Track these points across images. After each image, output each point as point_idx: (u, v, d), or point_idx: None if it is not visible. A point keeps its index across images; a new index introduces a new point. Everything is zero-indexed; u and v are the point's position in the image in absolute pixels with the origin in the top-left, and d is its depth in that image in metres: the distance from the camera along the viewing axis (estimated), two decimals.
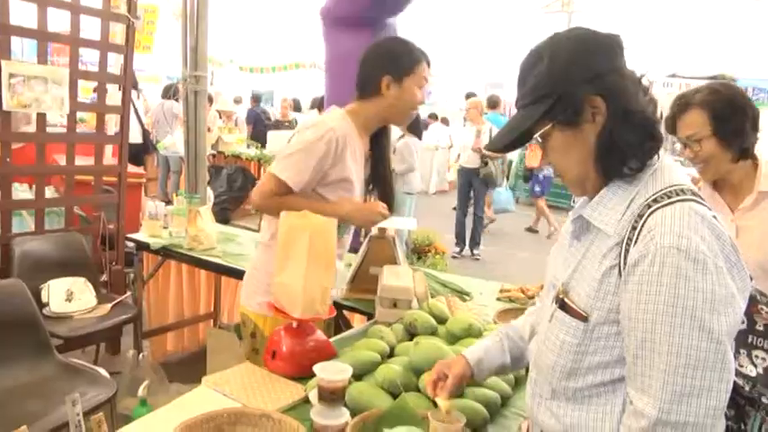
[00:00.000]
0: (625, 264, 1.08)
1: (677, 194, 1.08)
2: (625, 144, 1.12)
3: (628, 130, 1.11)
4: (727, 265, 1.04)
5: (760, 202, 1.95)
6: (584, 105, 1.13)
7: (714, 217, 1.07)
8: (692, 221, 1.04)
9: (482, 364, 1.45)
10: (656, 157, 1.16)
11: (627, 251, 1.09)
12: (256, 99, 11.41)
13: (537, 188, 9.41)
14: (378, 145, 2.24)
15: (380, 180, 2.27)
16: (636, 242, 1.07)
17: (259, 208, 2.13)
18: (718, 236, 1.04)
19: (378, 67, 2.06)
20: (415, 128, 6.94)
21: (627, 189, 1.15)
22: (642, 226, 1.08)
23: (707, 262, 1.01)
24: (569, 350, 1.18)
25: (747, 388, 1.55)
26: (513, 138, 1.20)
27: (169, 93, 8.30)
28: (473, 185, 7.60)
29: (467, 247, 7.72)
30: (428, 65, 2.10)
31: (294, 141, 2.06)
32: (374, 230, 2.62)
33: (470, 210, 7.76)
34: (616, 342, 1.13)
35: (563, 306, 1.20)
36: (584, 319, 1.15)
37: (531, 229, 9.72)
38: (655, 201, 1.09)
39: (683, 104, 1.95)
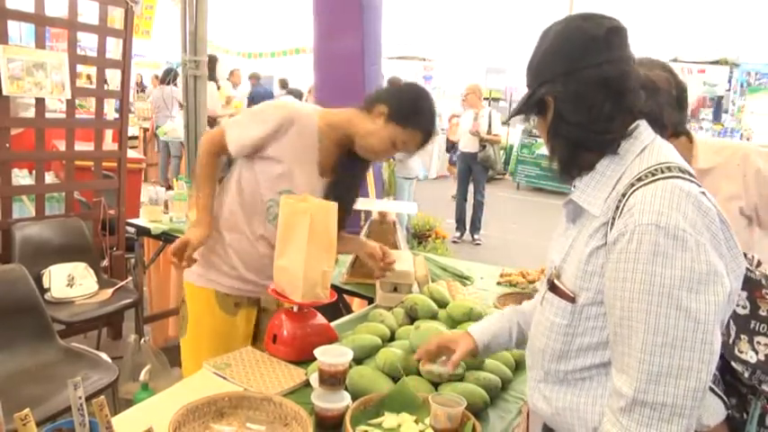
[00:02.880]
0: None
1: (662, 172, 1.08)
2: (561, 147, 1.20)
3: (558, 139, 1.20)
4: (714, 242, 1.02)
5: (700, 181, 1.88)
6: (544, 104, 1.19)
7: (702, 193, 1.06)
8: (675, 198, 1.02)
9: (489, 349, 1.54)
10: (646, 135, 1.16)
11: (611, 230, 1.09)
12: (256, 78, 11.27)
13: (454, 158, 10.30)
14: (349, 170, 2.07)
15: (343, 204, 2.00)
16: (617, 220, 1.07)
17: (200, 145, 2.09)
18: (704, 212, 1.03)
19: (390, 95, 1.95)
20: None
21: (614, 169, 1.15)
22: (624, 204, 1.07)
23: (687, 239, 0.99)
24: (558, 331, 1.18)
25: (747, 375, 1.53)
26: (515, 112, 1.29)
27: (168, 78, 8.27)
28: (472, 170, 7.58)
29: (467, 231, 7.72)
30: (423, 142, 1.95)
31: (256, 108, 2.07)
32: (375, 215, 2.62)
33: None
34: (605, 323, 1.13)
35: (553, 288, 1.21)
36: (572, 300, 1.16)
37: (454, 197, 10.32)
38: (639, 179, 1.09)
39: None
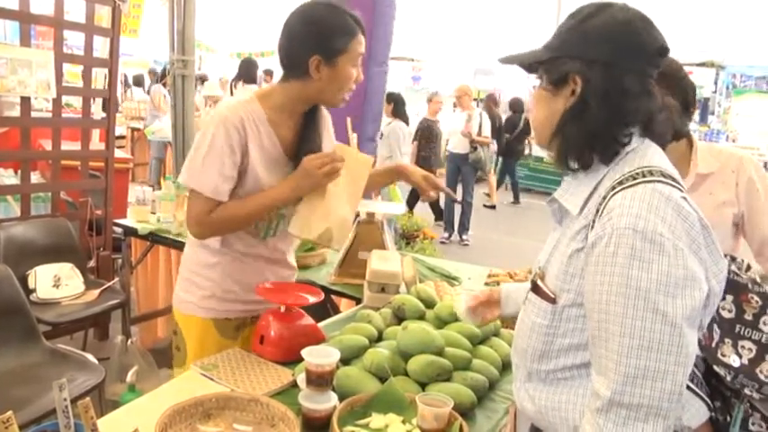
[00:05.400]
0: None
1: (643, 176, 1.08)
2: (572, 136, 1.15)
3: (578, 124, 1.14)
4: (693, 246, 1.03)
5: (699, 185, 1.90)
6: (567, 78, 1.15)
7: (684, 198, 1.06)
8: (654, 202, 1.03)
9: (509, 299, 1.62)
10: (635, 140, 1.15)
11: (591, 233, 1.09)
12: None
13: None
14: (309, 124, 1.89)
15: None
16: (597, 223, 1.08)
17: (202, 236, 1.84)
18: (684, 217, 1.03)
19: (306, 45, 1.72)
20: (402, 113, 6.96)
21: (596, 170, 1.16)
22: (604, 207, 1.08)
23: (664, 243, 1.00)
24: (539, 332, 1.19)
25: (729, 378, 1.53)
26: (520, 62, 1.25)
27: (159, 77, 8.26)
28: (461, 171, 7.60)
29: (455, 232, 7.74)
30: (363, 33, 1.76)
31: (197, 142, 1.77)
32: (363, 215, 2.62)
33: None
34: (585, 325, 1.14)
35: (535, 288, 1.22)
36: (553, 301, 1.17)
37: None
38: (620, 183, 1.09)
39: None
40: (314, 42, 1.72)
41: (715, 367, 1.50)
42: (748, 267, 1.48)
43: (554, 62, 1.17)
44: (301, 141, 1.86)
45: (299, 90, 1.79)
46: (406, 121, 7.06)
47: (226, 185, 1.74)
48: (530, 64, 1.23)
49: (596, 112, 1.12)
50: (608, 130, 1.13)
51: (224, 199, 1.75)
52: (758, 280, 1.50)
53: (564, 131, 1.17)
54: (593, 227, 1.09)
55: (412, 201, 7.87)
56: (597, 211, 1.09)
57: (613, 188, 1.09)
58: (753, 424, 1.52)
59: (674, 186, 1.07)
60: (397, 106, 6.93)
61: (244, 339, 1.97)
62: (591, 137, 1.14)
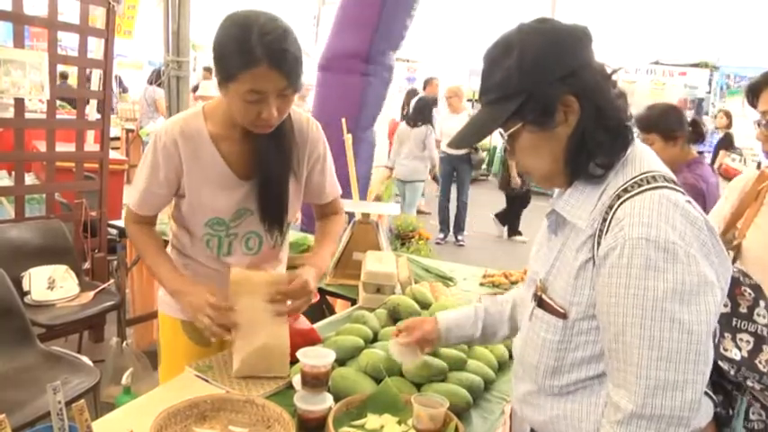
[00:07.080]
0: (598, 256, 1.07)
1: (648, 182, 1.06)
2: (596, 144, 1.10)
3: (600, 130, 1.09)
4: (704, 251, 1.02)
5: None
6: (556, 105, 1.09)
7: (688, 202, 1.05)
8: (663, 210, 1.01)
9: (450, 333, 1.51)
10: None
11: (599, 243, 1.07)
12: None
13: None
14: (264, 142, 1.63)
15: (269, 202, 1.70)
16: (606, 234, 1.06)
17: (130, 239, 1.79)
18: (692, 222, 1.02)
19: (213, 59, 1.51)
20: (423, 115, 6.89)
21: (599, 180, 1.13)
22: (612, 217, 1.06)
23: (677, 251, 0.99)
24: (551, 348, 1.17)
25: (732, 372, 1.54)
26: (480, 138, 1.17)
27: (154, 78, 8.25)
28: (457, 171, 7.60)
29: (451, 233, 7.74)
30: (276, 67, 1.42)
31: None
32: (358, 216, 2.62)
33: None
34: (598, 336, 1.12)
35: (541, 303, 1.19)
36: (563, 315, 1.14)
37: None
38: (625, 190, 1.07)
39: None
40: (215, 59, 1.50)
41: (719, 362, 1.51)
42: (734, 260, 1.49)
43: (533, 99, 1.08)
44: (254, 162, 1.67)
45: (226, 105, 1.61)
46: (410, 123, 6.94)
47: (146, 202, 1.74)
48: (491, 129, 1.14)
49: (606, 114, 1.09)
50: (620, 127, 1.11)
51: (142, 213, 1.76)
52: (745, 271, 1.51)
53: (580, 157, 1.12)
54: (599, 236, 1.07)
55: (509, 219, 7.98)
56: (604, 219, 1.07)
57: (619, 196, 1.07)
58: (753, 413, 1.54)
59: (677, 191, 1.06)
60: (420, 108, 6.94)
61: (220, 346, 1.88)
62: (606, 144, 1.10)
